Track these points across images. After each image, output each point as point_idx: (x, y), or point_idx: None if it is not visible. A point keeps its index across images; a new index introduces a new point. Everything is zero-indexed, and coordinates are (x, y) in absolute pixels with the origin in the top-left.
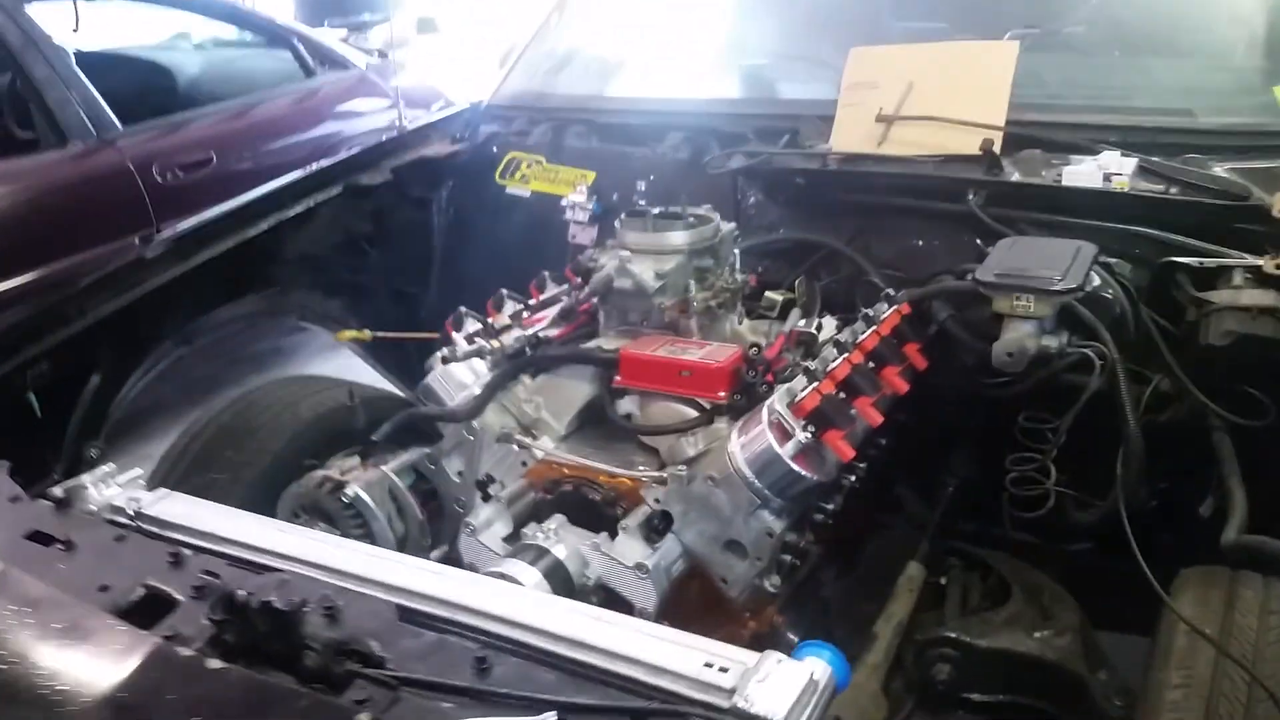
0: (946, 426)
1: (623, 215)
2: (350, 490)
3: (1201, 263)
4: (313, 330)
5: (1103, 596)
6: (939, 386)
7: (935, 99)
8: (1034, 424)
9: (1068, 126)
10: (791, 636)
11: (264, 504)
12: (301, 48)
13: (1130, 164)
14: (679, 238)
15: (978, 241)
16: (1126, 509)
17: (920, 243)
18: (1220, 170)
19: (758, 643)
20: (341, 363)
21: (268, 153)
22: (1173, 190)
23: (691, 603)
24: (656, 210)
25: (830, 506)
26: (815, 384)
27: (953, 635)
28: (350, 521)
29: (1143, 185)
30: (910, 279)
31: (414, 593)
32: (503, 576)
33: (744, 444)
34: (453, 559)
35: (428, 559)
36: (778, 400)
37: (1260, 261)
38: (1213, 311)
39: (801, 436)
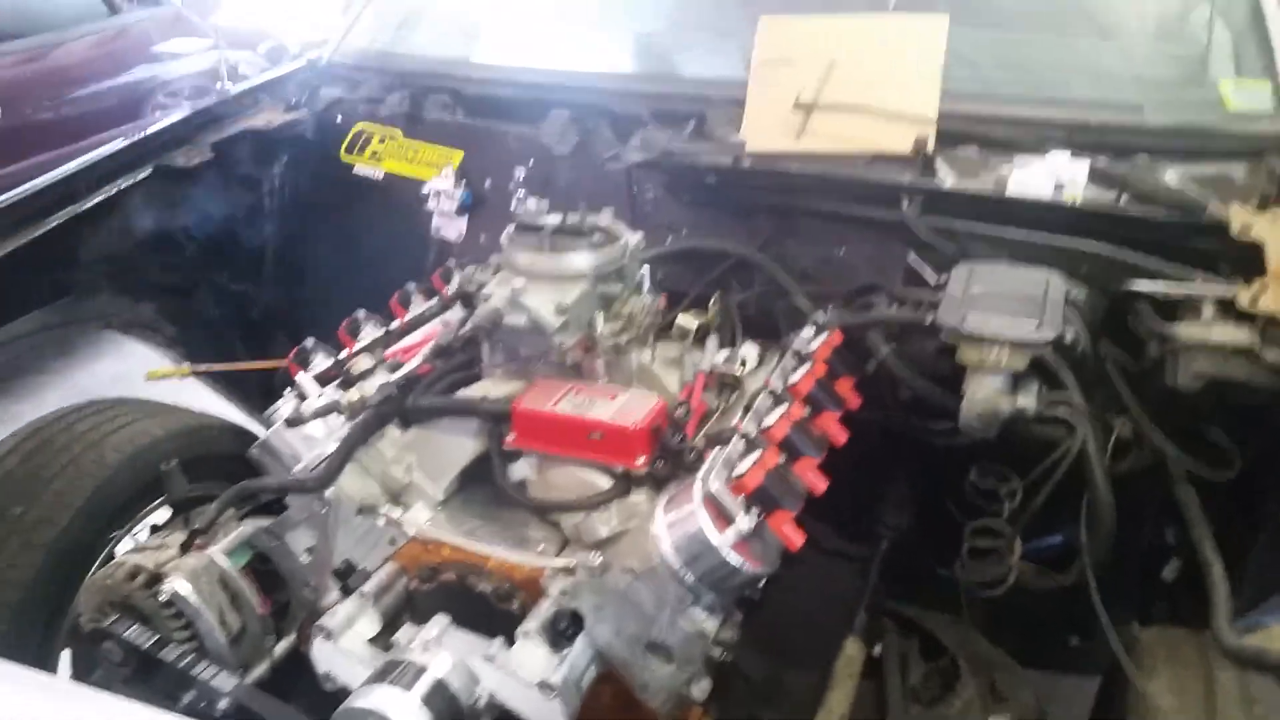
0: (874, 471)
1: (511, 228)
2: (169, 586)
3: (1169, 293)
4: (120, 340)
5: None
6: (868, 424)
7: (858, 81)
8: (988, 484)
9: (1008, 121)
10: None
11: (65, 579)
12: None
13: (1082, 170)
14: (584, 260)
15: (910, 254)
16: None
17: (843, 251)
18: (1172, 177)
19: None
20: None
21: (66, 104)
22: (1125, 199)
23: (602, 708)
24: (551, 221)
25: (762, 583)
26: (757, 454)
27: None
28: (171, 623)
29: (1094, 195)
30: (830, 292)
31: None
32: (371, 715)
33: (671, 528)
34: (302, 653)
35: (271, 656)
36: (713, 477)
37: (1233, 292)
38: (1181, 349)
39: (744, 523)
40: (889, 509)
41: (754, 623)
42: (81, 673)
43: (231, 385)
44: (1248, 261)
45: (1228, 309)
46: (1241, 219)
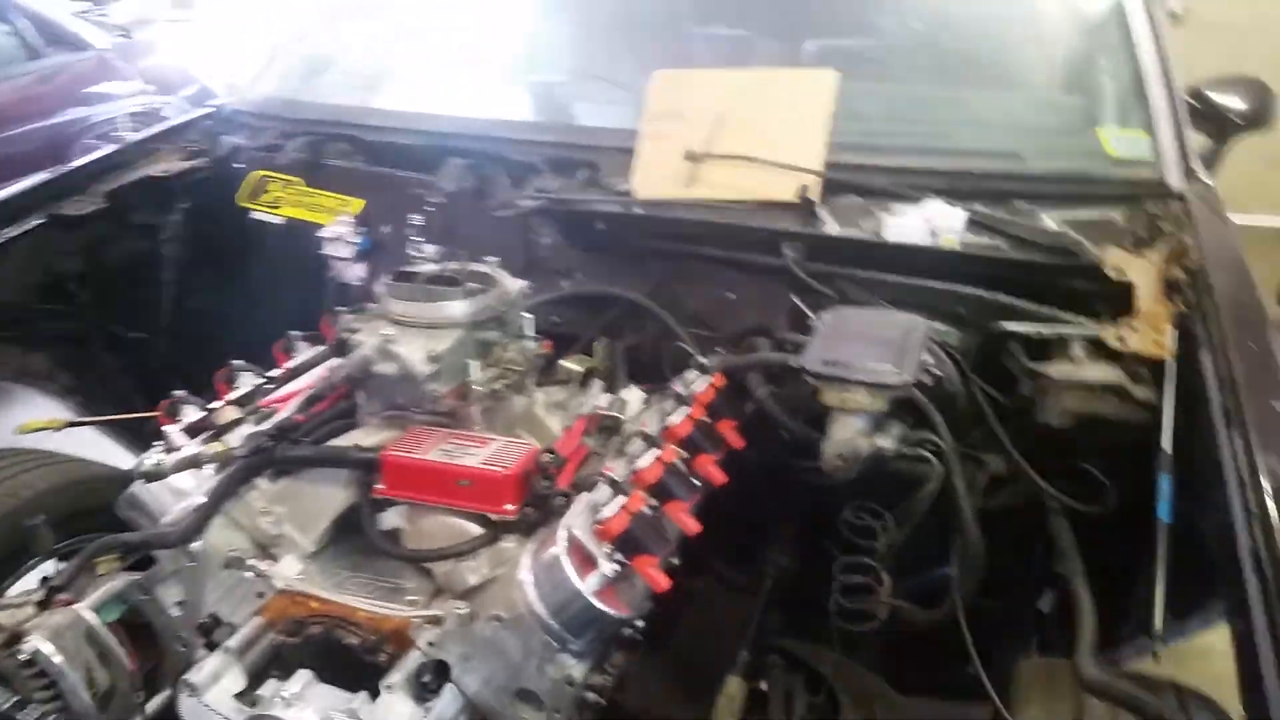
0: (761, 509)
1: (385, 278)
2: (29, 644)
3: (1039, 332)
4: (11, 390)
5: (929, 665)
6: (751, 464)
7: (747, 134)
8: (860, 519)
9: (889, 171)
10: None
11: None
12: (24, 23)
13: (958, 216)
14: (457, 309)
15: (793, 298)
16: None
17: (732, 295)
18: (1050, 221)
19: None
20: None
21: None
22: (1002, 244)
23: None
24: (426, 269)
25: (641, 623)
26: (623, 499)
27: None
28: (32, 683)
29: (971, 239)
30: (719, 336)
31: None
32: None
33: (537, 575)
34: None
35: (144, 713)
36: (577, 522)
37: (1101, 332)
38: (1051, 387)
39: (607, 568)
40: (774, 547)
41: (640, 662)
42: None
43: (130, 434)
44: (1121, 302)
45: (1098, 348)
46: (1115, 261)
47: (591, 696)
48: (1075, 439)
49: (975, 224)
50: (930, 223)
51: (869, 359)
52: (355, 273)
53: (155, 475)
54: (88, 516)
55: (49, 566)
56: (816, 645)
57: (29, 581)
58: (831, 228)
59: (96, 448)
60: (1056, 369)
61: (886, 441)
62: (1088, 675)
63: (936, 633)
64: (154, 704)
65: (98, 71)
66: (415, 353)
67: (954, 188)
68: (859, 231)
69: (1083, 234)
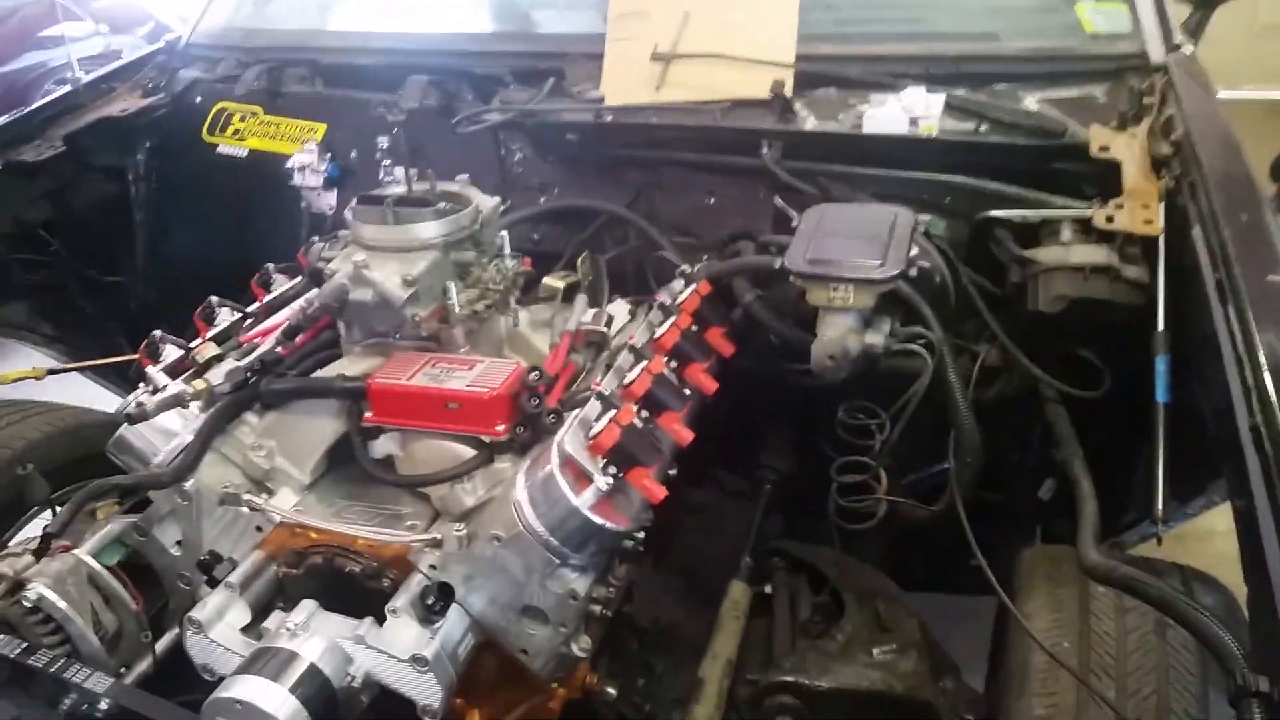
0: (757, 415)
1: (354, 202)
2: (33, 591)
3: (1025, 217)
4: None
5: (934, 561)
6: (745, 371)
7: (715, 30)
8: (855, 419)
9: (864, 59)
10: (610, 692)
11: None
12: None
13: (937, 102)
14: (430, 230)
15: (775, 199)
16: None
17: (712, 200)
18: (1032, 102)
19: (571, 710)
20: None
21: None
22: (984, 128)
23: (488, 675)
24: (394, 191)
25: (642, 534)
26: (613, 413)
27: (790, 679)
28: (38, 629)
29: (952, 126)
30: (703, 244)
31: None
32: (239, 705)
33: (533, 494)
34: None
35: (154, 652)
36: (569, 438)
37: (1089, 212)
38: (1041, 273)
39: (602, 482)
40: (771, 452)
41: (645, 573)
42: None
43: (118, 378)
44: (1109, 182)
45: (1086, 229)
46: (1100, 139)
47: (596, 609)
48: (1068, 324)
49: (954, 109)
50: (909, 111)
51: (854, 255)
52: (327, 201)
53: (139, 417)
54: (83, 463)
55: (50, 516)
56: (818, 546)
57: (32, 532)
58: (809, 122)
59: (85, 394)
60: (1046, 254)
61: (876, 338)
62: (1090, 561)
63: (938, 528)
64: (162, 643)
65: (49, 15)
66: (390, 277)
67: (931, 73)
68: (837, 125)
69: (1064, 113)
